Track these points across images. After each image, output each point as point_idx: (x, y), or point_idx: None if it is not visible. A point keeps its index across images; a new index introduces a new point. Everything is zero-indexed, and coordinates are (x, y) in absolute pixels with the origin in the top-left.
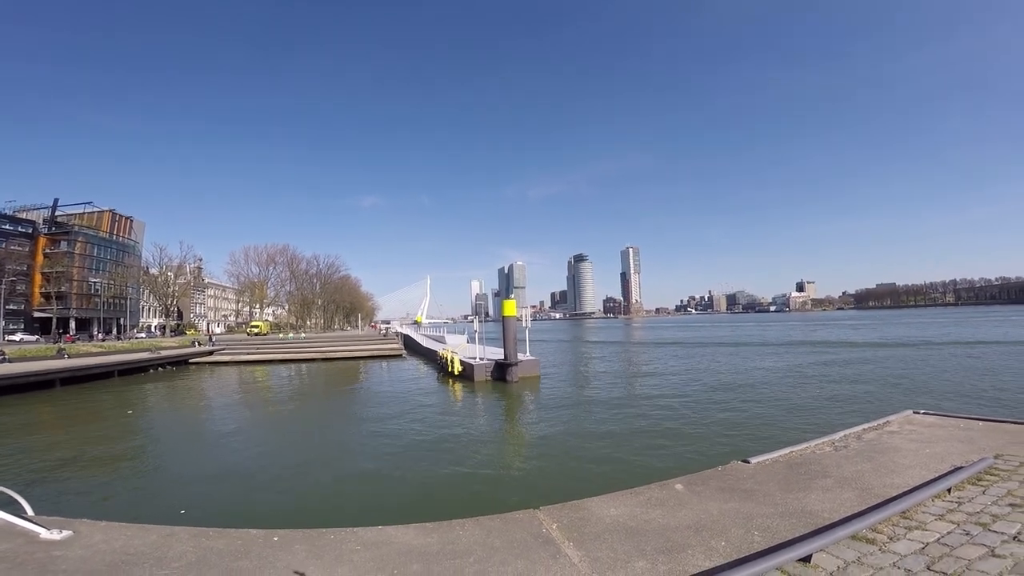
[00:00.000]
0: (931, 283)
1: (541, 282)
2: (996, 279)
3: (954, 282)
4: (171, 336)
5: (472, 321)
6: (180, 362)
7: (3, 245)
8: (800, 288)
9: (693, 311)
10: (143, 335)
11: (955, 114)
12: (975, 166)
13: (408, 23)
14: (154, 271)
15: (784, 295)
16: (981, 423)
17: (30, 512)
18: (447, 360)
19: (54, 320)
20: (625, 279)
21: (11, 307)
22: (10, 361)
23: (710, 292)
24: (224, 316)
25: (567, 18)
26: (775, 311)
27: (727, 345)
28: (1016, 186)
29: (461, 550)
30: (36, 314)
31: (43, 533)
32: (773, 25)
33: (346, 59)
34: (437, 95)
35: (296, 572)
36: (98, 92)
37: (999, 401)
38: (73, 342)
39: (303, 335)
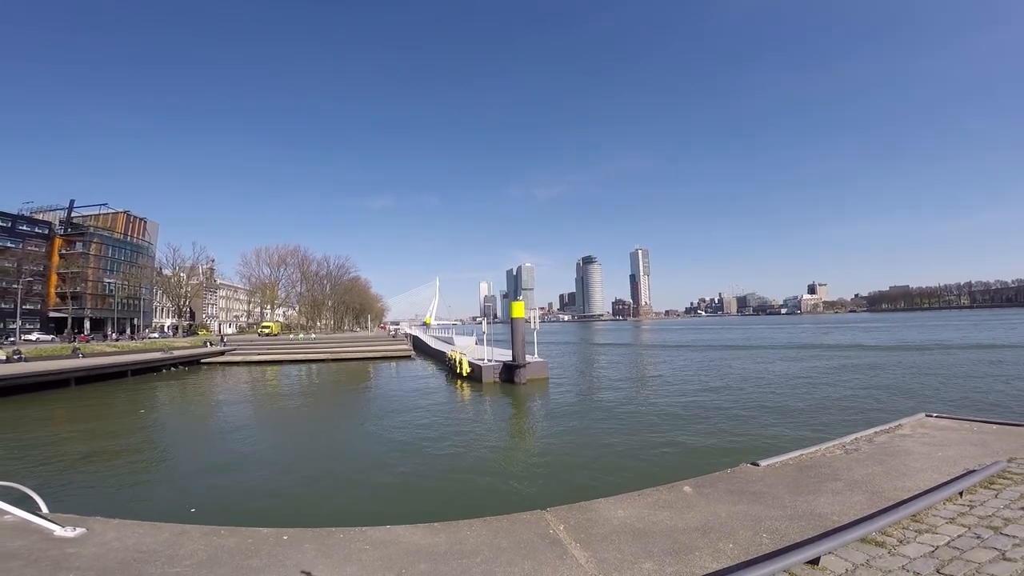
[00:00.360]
0: (945, 285)
1: (550, 284)
2: (1013, 281)
3: (969, 284)
4: (183, 336)
5: (481, 323)
6: (192, 362)
7: (20, 246)
8: (812, 290)
9: (703, 313)
10: (156, 335)
11: (969, 117)
12: (990, 168)
13: (413, 24)
14: (167, 272)
15: (795, 297)
16: (995, 426)
17: (44, 509)
18: (456, 361)
19: (69, 320)
20: (634, 281)
21: (27, 307)
22: (27, 360)
23: (720, 294)
24: (236, 317)
25: (574, 18)
26: (786, 313)
27: (737, 348)
28: None
29: (468, 550)
30: (52, 314)
31: (57, 530)
32: (783, 26)
33: (353, 59)
34: (444, 95)
35: (305, 571)
36: (111, 92)
37: (1008, 406)
38: (88, 342)
39: (313, 336)
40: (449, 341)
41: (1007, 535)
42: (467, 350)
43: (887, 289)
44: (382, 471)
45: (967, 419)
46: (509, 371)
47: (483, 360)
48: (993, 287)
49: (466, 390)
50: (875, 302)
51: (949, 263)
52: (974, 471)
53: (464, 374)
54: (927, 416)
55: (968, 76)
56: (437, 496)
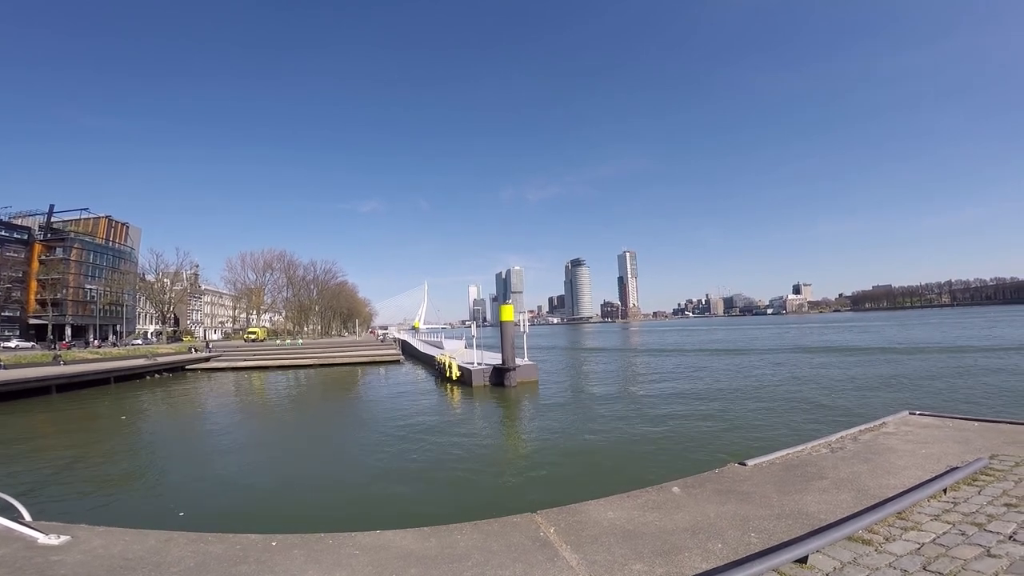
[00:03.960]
0: (927, 284)
1: (539, 287)
2: (991, 279)
3: (950, 283)
4: (168, 343)
5: (470, 326)
6: (177, 369)
7: None
8: (796, 291)
9: (690, 314)
10: (140, 342)
11: (949, 115)
12: (969, 167)
13: (402, 26)
14: (150, 278)
15: (781, 298)
16: (977, 423)
17: (28, 517)
18: (445, 365)
19: (50, 327)
20: (622, 283)
21: (7, 314)
22: (6, 368)
23: (707, 295)
24: (221, 323)
25: (564, 21)
26: (772, 314)
27: (723, 350)
28: (1009, 186)
29: (459, 554)
30: (32, 321)
31: (41, 538)
32: (768, 27)
33: (342, 61)
34: (434, 98)
35: None
36: (92, 96)
37: (989, 403)
38: (69, 349)
39: (300, 341)
40: (438, 345)
41: (991, 532)
42: (456, 354)
43: (870, 288)
44: (371, 476)
45: (949, 416)
46: (499, 374)
47: (473, 364)
48: (972, 285)
49: (456, 394)
50: (859, 301)
51: (930, 262)
52: (957, 468)
53: (454, 378)
54: (910, 414)
55: (948, 74)
56: (427, 500)
